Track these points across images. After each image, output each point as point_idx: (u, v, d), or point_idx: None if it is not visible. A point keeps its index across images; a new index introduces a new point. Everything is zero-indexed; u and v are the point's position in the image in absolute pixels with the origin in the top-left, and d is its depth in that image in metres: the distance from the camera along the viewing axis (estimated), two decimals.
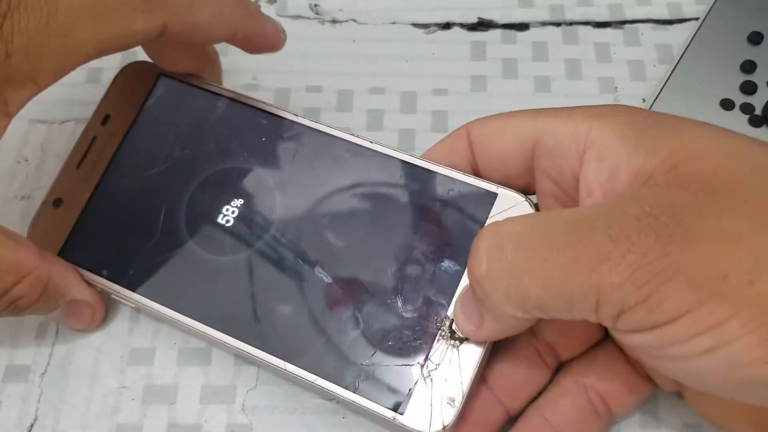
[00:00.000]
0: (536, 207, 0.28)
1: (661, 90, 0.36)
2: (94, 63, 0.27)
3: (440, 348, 0.27)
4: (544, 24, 0.40)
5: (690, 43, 0.37)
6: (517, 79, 0.38)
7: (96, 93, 0.33)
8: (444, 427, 0.26)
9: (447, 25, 0.40)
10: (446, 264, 0.28)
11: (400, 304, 0.28)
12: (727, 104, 0.35)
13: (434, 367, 0.27)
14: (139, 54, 0.33)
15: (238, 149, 0.32)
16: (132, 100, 0.33)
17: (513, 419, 0.28)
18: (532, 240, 0.23)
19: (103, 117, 0.33)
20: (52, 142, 0.37)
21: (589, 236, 0.21)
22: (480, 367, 0.27)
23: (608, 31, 0.39)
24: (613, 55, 0.39)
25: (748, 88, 0.35)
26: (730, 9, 0.38)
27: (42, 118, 0.37)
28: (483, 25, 0.40)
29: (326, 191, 0.30)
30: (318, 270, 0.29)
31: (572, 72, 0.38)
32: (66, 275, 0.29)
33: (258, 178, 0.31)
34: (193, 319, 0.29)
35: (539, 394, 0.29)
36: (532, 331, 0.28)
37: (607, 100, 0.37)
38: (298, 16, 0.41)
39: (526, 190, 0.29)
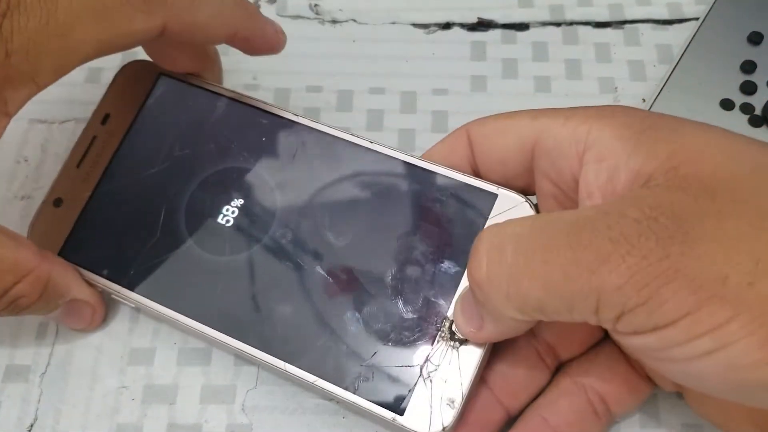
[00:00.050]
0: (536, 208, 0.28)
1: (661, 90, 0.36)
2: (94, 63, 0.27)
3: (440, 349, 0.27)
4: (544, 24, 0.40)
5: (690, 43, 0.37)
6: (517, 79, 0.38)
7: (96, 93, 0.33)
8: (443, 429, 0.26)
9: (447, 25, 0.40)
10: (446, 265, 0.28)
11: (399, 304, 0.28)
12: (727, 104, 0.35)
13: (434, 368, 0.27)
14: (140, 53, 0.33)
15: (238, 149, 0.31)
16: (132, 100, 0.33)
17: (513, 419, 0.28)
18: (532, 242, 0.23)
19: (103, 116, 0.32)
20: (52, 142, 0.37)
21: (589, 238, 0.21)
22: (480, 368, 0.27)
23: (608, 31, 0.39)
24: (613, 55, 0.39)
25: (748, 88, 0.35)
26: (730, 9, 0.38)
27: (42, 118, 0.37)
28: (483, 25, 0.40)
29: (326, 191, 0.30)
30: (318, 270, 0.29)
31: (572, 72, 0.38)
32: (66, 275, 0.29)
33: (258, 178, 0.31)
34: (193, 319, 0.29)
35: (539, 394, 0.29)
36: (532, 331, 0.28)
37: (607, 100, 0.37)
38: (298, 16, 0.41)
39: (525, 191, 0.29)
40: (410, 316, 0.28)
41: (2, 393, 0.31)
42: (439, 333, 0.27)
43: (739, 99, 0.35)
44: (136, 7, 0.26)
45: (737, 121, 0.35)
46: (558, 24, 0.40)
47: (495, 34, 0.40)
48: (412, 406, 0.26)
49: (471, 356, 0.27)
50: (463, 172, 0.29)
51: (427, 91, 0.38)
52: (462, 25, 0.40)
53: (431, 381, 0.27)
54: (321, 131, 0.31)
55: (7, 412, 0.31)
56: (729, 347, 0.20)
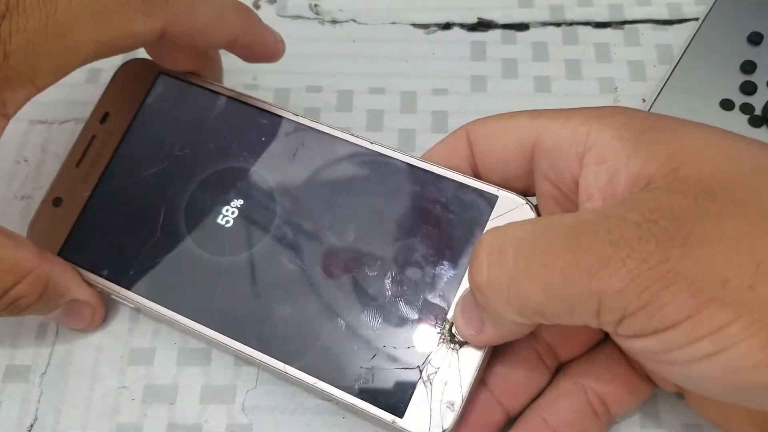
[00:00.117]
0: (537, 210, 0.28)
1: (661, 90, 0.36)
2: (94, 63, 0.27)
3: (440, 351, 0.27)
4: (544, 24, 0.40)
5: (690, 43, 0.37)
6: (517, 79, 0.38)
7: (96, 93, 0.33)
8: (443, 431, 0.26)
9: (447, 25, 0.40)
10: (446, 267, 0.28)
11: (400, 306, 0.28)
12: (727, 104, 0.35)
13: (434, 370, 0.27)
14: (140, 52, 0.32)
15: (237, 149, 0.31)
16: (131, 98, 0.32)
17: (513, 420, 0.28)
18: (532, 245, 0.23)
19: (102, 115, 0.32)
20: (51, 142, 0.37)
21: (590, 241, 0.21)
22: (480, 370, 0.27)
23: (608, 31, 0.39)
24: (613, 55, 0.39)
25: (748, 88, 0.35)
26: (730, 9, 0.38)
27: (42, 119, 0.37)
28: (483, 25, 0.40)
29: (326, 192, 0.30)
30: (317, 271, 0.29)
31: (572, 72, 0.38)
32: (66, 275, 0.29)
33: (258, 178, 0.31)
34: (192, 319, 0.29)
35: (539, 395, 0.29)
36: (532, 332, 0.28)
37: (607, 100, 0.37)
38: (298, 17, 0.41)
39: (526, 192, 0.29)
40: (410, 318, 0.28)
41: (2, 393, 0.31)
42: (440, 335, 0.27)
43: (739, 99, 0.35)
44: (136, 8, 0.26)
45: (737, 122, 0.35)
46: (558, 24, 0.40)
47: (495, 34, 0.40)
48: (412, 408, 0.26)
49: (471, 359, 0.27)
50: (464, 173, 0.29)
51: (427, 91, 0.38)
52: (462, 25, 0.40)
53: (431, 383, 0.27)
54: (321, 131, 0.31)
55: (7, 412, 0.31)
56: (729, 350, 0.20)
